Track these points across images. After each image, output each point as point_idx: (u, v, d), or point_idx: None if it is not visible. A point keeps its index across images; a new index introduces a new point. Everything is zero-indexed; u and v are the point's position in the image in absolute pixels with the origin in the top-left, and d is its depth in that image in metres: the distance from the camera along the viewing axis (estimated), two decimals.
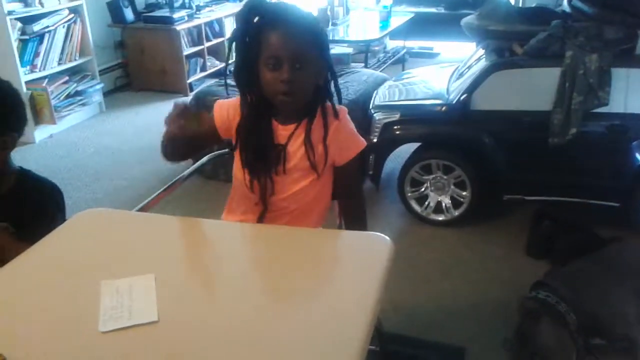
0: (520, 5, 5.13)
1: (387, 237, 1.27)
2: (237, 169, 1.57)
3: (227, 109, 1.57)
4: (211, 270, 1.17)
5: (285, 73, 1.41)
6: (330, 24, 4.89)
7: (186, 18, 5.15)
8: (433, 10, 5.79)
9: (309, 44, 1.44)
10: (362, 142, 1.58)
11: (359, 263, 1.16)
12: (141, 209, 1.57)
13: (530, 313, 2.03)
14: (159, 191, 1.61)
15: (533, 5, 4.48)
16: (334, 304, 1.05)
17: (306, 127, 1.51)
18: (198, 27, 5.34)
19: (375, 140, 2.97)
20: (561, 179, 2.79)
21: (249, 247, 1.21)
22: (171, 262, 1.22)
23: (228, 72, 1.59)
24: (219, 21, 5.65)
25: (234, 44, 1.47)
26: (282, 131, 1.53)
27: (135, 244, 1.30)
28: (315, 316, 1.06)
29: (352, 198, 1.65)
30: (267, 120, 1.53)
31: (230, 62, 1.62)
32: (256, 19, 1.42)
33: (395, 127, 2.95)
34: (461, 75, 3.07)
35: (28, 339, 1.00)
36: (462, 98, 2.81)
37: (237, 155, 1.57)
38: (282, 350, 0.96)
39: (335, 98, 1.55)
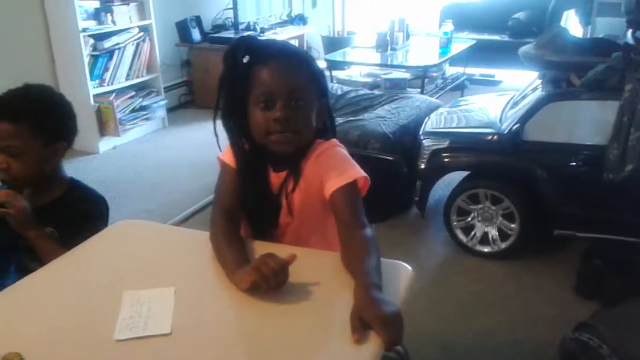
0: (588, 36, 4.99)
1: (408, 266, 1.25)
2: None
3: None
4: (231, 286, 1.19)
5: (279, 111, 1.27)
6: (389, 48, 4.91)
7: None
8: (497, 37, 5.71)
9: (305, 80, 1.31)
10: (348, 175, 1.29)
11: None
12: (178, 224, 1.62)
13: (570, 354, 1.95)
14: (191, 209, 1.64)
15: (601, 36, 4.35)
16: (344, 329, 1.04)
17: (294, 172, 1.36)
18: None
19: (422, 166, 2.94)
20: (615, 217, 2.66)
21: None
22: (194, 276, 1.24)
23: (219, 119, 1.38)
24: None
25: (221, 88, 1.34)
26: (274, 179, 1.38)
27: (162, 257, 1.34)
28: (324, 337, 1.06)
29: (347, 231, 1.27)
30: (263, 169, 1.38)
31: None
32: (245, 59, 1.30)
33: (444, 154, 2.92)
34: (516, 104, 3.01)
35: (46, 340, 1.04)
36: (514, 128, 2.75)
37: None
38: None
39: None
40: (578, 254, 2.71)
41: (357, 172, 1.32)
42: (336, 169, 1.32)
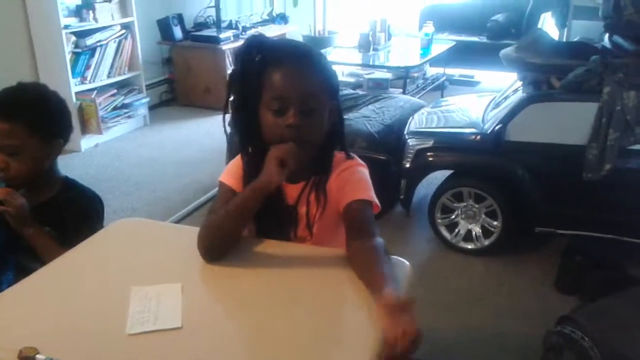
0: (564, 38, 5.11)
1: (406, 262, 1.30)
2: None
3: (234, 171, 1.39)
4: (235, 282, 1.22)
5: (292, 117, 1.23)
6: (371, 49, 4.97)
7: (232, 38, 5.30)
8: (475, 39, 5.80)
9: (319, 85, 1.28)
10: (366, 194, 1.31)
11: None
12: (175, 221, 1.63)
13: (554, 347, 2.02)
14: (193, 205, 1.65)
15: (576, 38, 4.47)
16: (351, 323, 1.09)
17: (316, 184, 1.34)
18: None
19: (407, 165, 3.00)
20: (595, 214, 2.76)
21: (271, 262, 1.27)
22: (198, 272, 1.27)
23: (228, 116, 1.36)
24: None
25: (231, 86, 1.31)
26: (289, 190, 1.36)
27: (165, 254, 1.36)
28: (332, 332, 1.10)
29: (358, 238, 1.26)
30: None
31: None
32: (258, 57, 1.26)
33: (429, 154, 2.98)
34: (497, 105, 3.09)
35: (60, 335, 1.06)
36: (497, 128, 2.82)
37: None
38: None
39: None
40: (559, 250, 2.80)
41: (374, 197, 1.33)
42: (357, 185, 1.33)
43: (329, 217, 1.35)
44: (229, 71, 5.20)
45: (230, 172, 1.39)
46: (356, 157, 1.41)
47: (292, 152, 1.22)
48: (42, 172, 1.68)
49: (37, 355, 0.98)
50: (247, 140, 1.35)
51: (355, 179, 1.34)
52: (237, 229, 1.30)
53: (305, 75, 1.27)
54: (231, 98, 1.35)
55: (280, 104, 1.25)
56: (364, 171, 1.38)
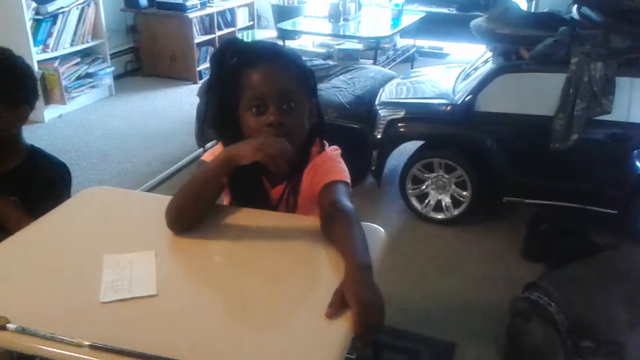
0: (532, 10, 5.15)
1: (381, 228, 1.31)
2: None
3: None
4: (209, 248, 1.21)
5: (272, 115, 1.24)
6: (341, 19, 4.92)
7: (199, 6, 5.19)
8: (445, 10, 5.80)
9: (296, 81, 1.29)
10: (337, 175, 1.31)
11: None
12: (147, 190, 1.60)
13: (521, 313, 2.07)
14: (161, 175, 1.62)
15: (545, 10, 4.51)
16: (323, 289, 1.08)
17: (294, 183, 1.35)
18: (210, 15, 5.38)
19: (379, 136, 3.00)
20: (561, 184, 2.82)
21: (246, 229, 1.26)
22: (171, 239, 1.25)
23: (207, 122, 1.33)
24: (231, 11, 5.69)
25: (209, 92, 1.32)
26: (272, 194, 1.37)
27: (137, 222, 1.34)
28: (304, 298, 1.10)
29: (330, 207, 1.24)
30: (257, 179, 1.35)
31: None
32: (234, 60, 1.27)
33: (400, 125, 2.99)
34: (468, 76, 3.10)
35: (31, 304, 1.04)
36: (467, 99, 2.84)
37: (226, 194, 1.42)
38: (272, 326, 1.01)
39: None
40: (526, 219, 2.86)
41: (346, 178, 1.33)
42: (329, 170, 1.33)
43: (308, 209, 1.37)
44: (196, 40, 5.16)
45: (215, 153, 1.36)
46: (327, 148, 1.40)
47: (284, 152, 1.18)
48: (8, 140, 1.63)
49: (8, 325, 0.95)
50: (230, 144, 1.30)
51: (327, 166, 1.35)
52: (200, 197, 1.26)
53: (282, 72, 1.28)
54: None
55: (260, 103, 1.26)
56: (336, 154, 1.40)
